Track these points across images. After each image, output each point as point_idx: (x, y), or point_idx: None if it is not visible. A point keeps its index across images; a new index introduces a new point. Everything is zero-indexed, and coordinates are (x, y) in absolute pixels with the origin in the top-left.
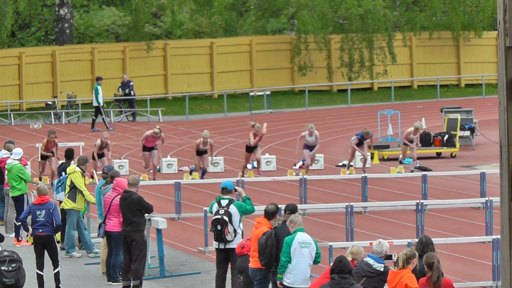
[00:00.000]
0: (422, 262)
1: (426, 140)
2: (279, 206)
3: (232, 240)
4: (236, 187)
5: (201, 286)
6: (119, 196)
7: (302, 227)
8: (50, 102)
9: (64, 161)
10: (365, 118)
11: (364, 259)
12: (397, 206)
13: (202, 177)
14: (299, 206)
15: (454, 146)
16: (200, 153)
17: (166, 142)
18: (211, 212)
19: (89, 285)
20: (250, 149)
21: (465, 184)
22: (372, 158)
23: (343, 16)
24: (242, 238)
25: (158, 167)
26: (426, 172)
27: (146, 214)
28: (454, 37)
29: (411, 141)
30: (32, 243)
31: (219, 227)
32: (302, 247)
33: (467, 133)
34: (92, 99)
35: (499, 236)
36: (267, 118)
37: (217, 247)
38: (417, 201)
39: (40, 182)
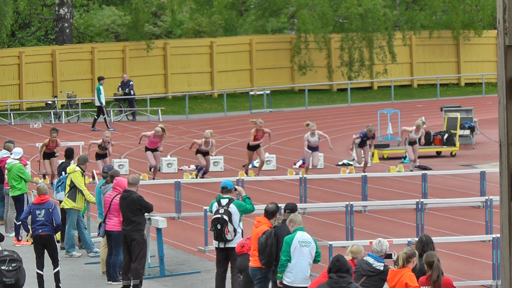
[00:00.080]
0: (422, 261)
1: (426, 139)
2: (279, 205)
3: (232, 239)
4: (236, 186)
5: (201, 285)
6: (119, 196)
7: (302, 226)
8: (50, 102)
9: (64, 160)
10: (365, 117)
11: (364, 258)
12: (397, 205)
13: (203, 177)
14: (299, 205)
15: (454, 145)
16: (202, 153)
17: (166, 141)
18: (211, 211)
19: (89, 284)
20: (252, 147)
21: (465, 183)
22: (372, 157)
23: (343, 15)
24: (242, 237)
25: (158, 167)
26: (426, 171)
27: (146, 214)
28: (454, 36)
29: (414, 142)
30: (32, 243)
31: (219, 226)
32: (302, 246)
33: (467, 132)
34: (94, 98)
35: (499, 235)
36: (267, 118)
37: (217, 246)
38: (417, 200)
39: (40, 181)
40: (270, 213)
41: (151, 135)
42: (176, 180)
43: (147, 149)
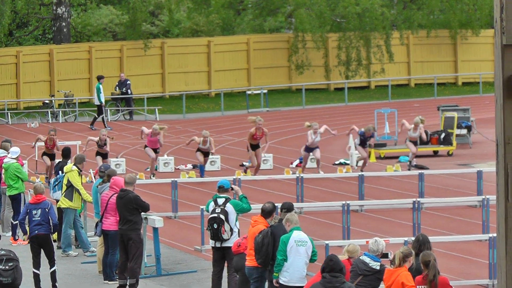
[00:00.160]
0: (418, 260)
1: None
2: (276, 204)
3: (228, 239)
4: (233, 186)
5: (198, 284)
6: (116, 195)
7: (298, 226)
8: (47, 101)
9: (61, 160)
10: (362, 116)
11: (360, 257)
12: (393, 205)
13: (202, 176)
14: (296, 205)
15: (451, 144)
16: (203, 152)
17: (163, 140)
18: (207, 211)
19: (85, 283)
20: (254, 147)
21: (462, 182)
22: (369, 156)
23: (340, 14)
24: (239, 236)
25: (155, 166)
26: (423, 170)
27: (142, 213)
28: (451, 35)
29: (415, 142)
30: (28, 242)
31: (215, 226)
32: (298, 246)
33: (464, 131)
34: (94, 97)
35: (495, 235)
36: (264, 117)
37: (213, 245)
38: (414, 199)
39: (37, 180)
40: (266, 213)
41: (149, 133)
42: (172, 179)
43: (146, 146)
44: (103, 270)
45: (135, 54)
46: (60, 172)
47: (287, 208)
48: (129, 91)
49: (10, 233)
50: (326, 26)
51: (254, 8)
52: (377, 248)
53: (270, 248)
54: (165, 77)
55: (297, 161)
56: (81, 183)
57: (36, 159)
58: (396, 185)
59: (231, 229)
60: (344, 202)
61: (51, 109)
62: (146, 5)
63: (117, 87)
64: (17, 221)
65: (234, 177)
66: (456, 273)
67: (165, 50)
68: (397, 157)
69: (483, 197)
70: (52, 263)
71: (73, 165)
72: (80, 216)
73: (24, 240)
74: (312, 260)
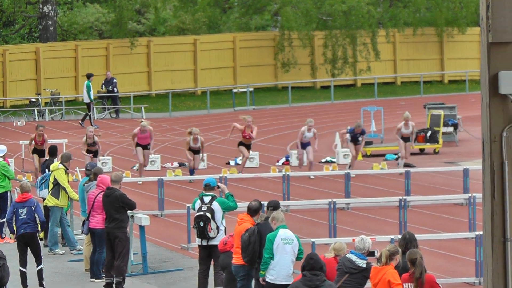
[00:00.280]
0: (405, 258)
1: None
2: (262, 202)
3: (214, 237)
4: (219, 184)
5: (184, 282)
6: (102, 193)
7: (285, 224)
8: (33, 99)
9: (47, 158)
10: (348, 114)
11: (346, 255)
12: (380, 203)
13: (192, 174)
14: (282, 203)
15: (437, 142)
16: (193, 151)
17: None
18: (194, 209)
19: (72, 281)
20: (244, 145)
21: (448, 180)
22: (358, 154)
23: (326, 12)
24: (225, 234)
25: (147, 165)
26: (409, 168)
27: (129, 211)
28: (437, 33)
29: (407, 139)
30: (15, 241)
31: (201, 224)
32: (284, 244)
33: (451, 129)
34: (83, 95)
35: (482, 233)
36: (250, 115)
37: (199, 243)
38: (400, 197)
39: (23, 179)
40: (253, 211)
41: (138, 131)
42: (159, 177)
43: (137, 145)
44: (90, 268)
45: (121, 53)
46: (46, 170)
47: (273, 206)
48: (115, 89)
49: None
50: (312, 24)
51: (240, 6)
52: (363, 246)
53: (256, 246)
54: (151, 76)
55: (283, 159)
56: (68, 181)
57: (23, 157)
58: (382, 183)
59: (218, 227)
60: (330, 200)
61: (38, 108)
62: (132, 4)
63: (103, 86)
64: (3, 220)
65: (220, 175)
66: (442, 271)
67: (151, 48)
68: (383, 155)
69: (470, 195)
70: (38, 261)
71: (60, 163)
72: (66, 214)
73: (11, 238)
74: (298, 258)
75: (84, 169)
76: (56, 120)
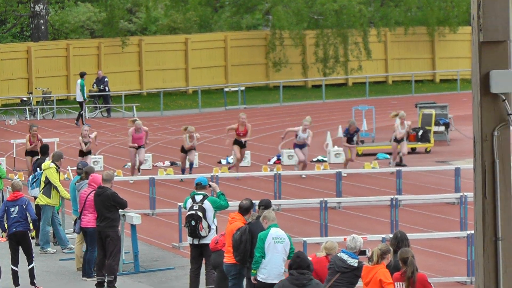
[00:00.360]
0: (397, 257)
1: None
2: (254, 201)
3: (206, 236)
4: (211, 183)
5: (175, 281)
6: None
7: (276, 223)
8: (25, 98)
9: (39, 157)
10: (339, 113)
11: (338, 254)
12: (371, 202)
13: (190, 172)
14: (273, 202)
15: (429, 141)
16: (186, 151)
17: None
18: (185, 208)
19: (63, 280)
20: (239, 142)
21: (439, 179)
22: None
23: (318, 11)
24: (216, 233)
25: (141, 163)
26: (400, 168)
27: (120, 210)
28: (429, 32)
29: (402, 139)
30: (7, 239)
31: (193, 223)
32: (276, 243)
33: (442, 128)
34: (76, 94)
35: (473, 232)
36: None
37: (191, 242)
38: (392, 196)
39: (15, 178)
40: (244, 210)
41: (132, 131)
42: (150, 176)
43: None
44: (82, 266)
45: (113, 52)
46: (38, 169)
47: (265, 205)
48: (106, 88)
49: None
50: (304, 23)
51: (232, 5)
52: (354, 245)
53: (248, 245)
54: (143, 75)
55: (275, 158)
56: (59, 180)
57: (15, 156)
58: (374, 182)
59: (209, 226)
60: (322, 199)
61: (29, 107)
62: (123, 3)
63: (94, 85)
64: None
65: (212, 174)
66: (434, 270)
67: (143, 47)
68: (374, 154)
69: (461, 194)
70: (30, 260)
71: (51, 162)
72: (58, 213)
73: (2, 237)
74: (290, 257)
75: (75, 168)
76: (48, 119)
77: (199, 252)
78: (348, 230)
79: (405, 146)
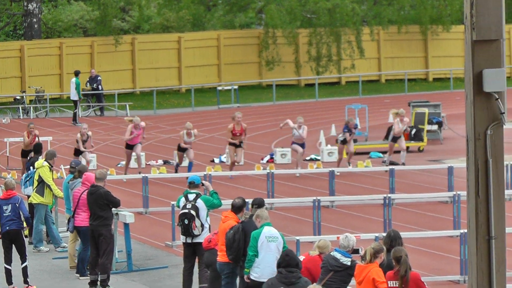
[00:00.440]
0: (390, 256)
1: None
2: (247, 200)
3: (199, 234)
4: (203, 181)
5: (169, 280)
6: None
7: (269, 221)
8: (18, 97)
9: (32, 155)
10: (332, 112)
11: (331, 253)
12: (364, 200)
13: (189, 171)
14: (267, 200)
15: (422, 140)
16: (183, 149)
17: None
18: (178, 207)
19: (56, 279)
20: (234, 144)
21: (432, 178)
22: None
23: (311, 10)
24: (209, 232)
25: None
26: (393, 166)
27: (113, 209)
28: (422, 31)
29: (399, 136)
30: (0, 238)
31: (186, 221)
32: (269, 241)
33: (435, 127)
34: (72, 92)
35: (466, 230)
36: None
37: (184, 241)
38: (385, 195)
39: (8, 176)
40: (237, 208)
41: (131, 127)
42: (143, 175)
43: (127, 146)
44: (77, 264)
45: (106, 50)
46: (31, 167)
47: (258, 204)
48: (100, 87)
49: None
50: (297, 22)
51: (225, 4)
52: (347, 244)
53: (241, 244)
54: (136, 73)
55: (268, 157)
56: (52, 178)
57: (8, 155)
58: (367, 181)
59: (202, 225)
60: (315, 198)
61: (22, 105)
62: (116, 1)
63: (88, 83)
64: None
65: (205, 172)
66: (427, 269)
67: (136, 46)
68: (367, 153)
69: (454, 193)
70: (23, 258)
71: (44, 160)
72: (51, 211)
73: None
74: None
75: (68, 166)
76: (41, 118)
77: (192, 251)
78: (341, 229)
79: (403, 141)
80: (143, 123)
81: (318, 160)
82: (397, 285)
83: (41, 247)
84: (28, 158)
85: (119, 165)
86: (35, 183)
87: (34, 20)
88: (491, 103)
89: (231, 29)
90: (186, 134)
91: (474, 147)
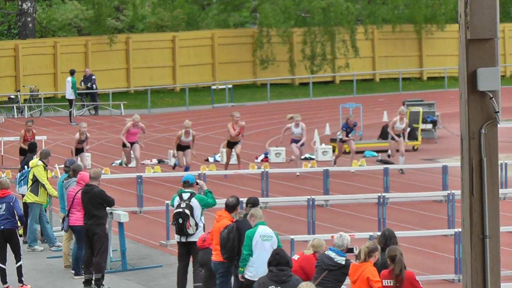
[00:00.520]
0: (385, 255)
1: (387, 133)
2: (241, 199)
3: (193, 234)
4: (198, 181)
5: (163, 279)
6: None
7: (263, 221)
8: (13, 96)
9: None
10: (327, 111)
11: (325, 252)
12: (359, 199)
13: (185, 171)
14: (261, 199)
15: (416, 139)
16: (183, 147)
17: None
18: (172, 206)
19: (51, 278)
20: (231, 144)
21: (427, 177)
22: (333, 151)
23: (305, 9)
24: (204, 231)
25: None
26: (388, 165)
27: (107, 208)
28: (416, 30)
29: (398, 135)
30: None
31: (180, 221)
32: (263, 240)
33: (429, 126)
34: (65, 92)
35: (461, 229)
36: (229, 112)
37: (178, 240)
38: (379, 194)
39: (3, 176)
40: (230, 207)
41: (130, 125)
42: (138, 174)
43: (124, 144)
44: (72, 264)
45: (100, 49)
46: (26, 167)
47: (252, 203)
48: (94, 86)
49: None
50: (291, 21)
51: (219, 3)
52: (342, 243)
53: (235, 243)
54: (130, 72)
55: (262, 156)
56: (47, 178)
57: (2, 154)
58: (361, 180)
59: (196, 224)
60: (309, 197)
61: (17, 104)
62: (110, 0)
63: (82, 82)
64: None
65: (199, 172)
66: (422, 268)
67: (130, 45)
68: (362, 152)
69: (449, 192)
70: (18, 257)
71: (39, 160)
72: (45, 211)
73: None
74: None
75: (63, 165)
76: (35, 117)
77: (187, 250)
78: (335, 228)
79: (402, 144)
80: (142, 124)
81: (313, 159)
82: (391, 284)
83: (35, 246)
84: (23, 157)
85: (113, 164)
86: (30, 182)
87: (29, 19)
88: (486, 102)
89: (225, 28)
90: (185, 133)
91: (468, 146)
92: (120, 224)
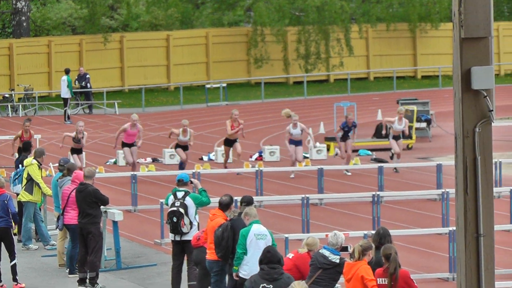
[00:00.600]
0: (379, 253)
1: (379, 132)
2: (235, 198)
3: (188, 232)
4: (192, 179)
5: (157, 278)
6: None
7: (258, 219)
8: (7, 95)
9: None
10: (321, 110)
11: (320, 250)
12: (353, 198)
13: (180, 169)
14: (255, 198)
15: (411, 137)
16: (182, 147)
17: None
18: (167, 204)
19: (45, 277)
20: (229, 142)
21: (421, 175)
22: (328, 150)
23: (299, 8)
24: (198, 230)
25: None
26: (382, 164)
27: (102, 206)
28: (410, 28)
29: (398, 136)
30: None
31: (175, 219)
32: (258, 239)
33: (424, 124)
34: (60, 91)
35: (455, 228)
36: (224, 110)
37: (173, 239)
38: (373, 192)
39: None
40: (224, 205)
41: (128, 126)
42: (132, 173)
43: (123, 144)
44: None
45: (94, 48)
46: (20, 165)
47: (247, 201)
48: (88, 85)
49: None
50: (285, 20)
51: (213, 2)
52: (336, 241)
53: (230, 242)
54: (124, 71)
55: (257, 155)
56: (41, 176)
57: None
58: (355, 178)
59: (191, 223)
60: (303, 196)
61: (11, 103)
62: None
63: (76, 81)
64: None
65: (194, 170)
66: (416, 267)
67: (124, 44)
68: (356, 151)
69: (443, 190)
70: (12, 256)
71: (33, 158)
72: (40, 209)
73: None
74: None
75: (57, 164)
76: (30, 116)
77: (181, 249)
78: (330, 226)
79: (401, 145)
80: (140, 126)
81: (307, 158)
82: (386, 283)
83: (30, 245)
84: (17, 156)
85: (108, 163)
86: (24, 181)
87: (23, 18)
88: (480, 100)
89: (220, 27)
90: (183, 132)
91: (462, 145)
92: (115, 223)
